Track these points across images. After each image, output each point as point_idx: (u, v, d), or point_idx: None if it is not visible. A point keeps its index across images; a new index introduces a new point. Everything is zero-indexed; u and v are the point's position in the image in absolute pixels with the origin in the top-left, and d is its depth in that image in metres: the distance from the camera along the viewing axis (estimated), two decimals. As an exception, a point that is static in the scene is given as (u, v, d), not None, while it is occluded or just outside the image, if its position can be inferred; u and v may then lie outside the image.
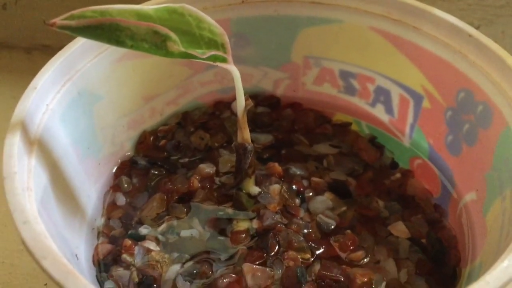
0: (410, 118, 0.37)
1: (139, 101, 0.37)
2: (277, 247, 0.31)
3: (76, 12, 0.24)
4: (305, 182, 0.35)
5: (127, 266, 0.31)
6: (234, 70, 0.30)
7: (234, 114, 0.40)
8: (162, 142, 0.38)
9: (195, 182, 0.34)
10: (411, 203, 0.35)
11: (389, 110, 0.38)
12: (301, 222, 0.32)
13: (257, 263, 0.30)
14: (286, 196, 0.33)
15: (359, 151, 0.38)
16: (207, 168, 0.35)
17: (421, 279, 0.30)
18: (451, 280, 0.31)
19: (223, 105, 0.40)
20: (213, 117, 0.40)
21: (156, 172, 0.36)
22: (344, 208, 0.34)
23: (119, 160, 0.37)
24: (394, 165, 0.38)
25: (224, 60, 0.29)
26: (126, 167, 0.36)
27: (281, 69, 0.40)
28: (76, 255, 0.29)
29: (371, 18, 0.35)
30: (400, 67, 0.36)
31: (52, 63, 0.30)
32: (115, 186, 0.35)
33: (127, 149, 0.37)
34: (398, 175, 0.37)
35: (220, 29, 0.28)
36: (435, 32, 0.33)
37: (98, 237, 0.33)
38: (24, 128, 0.27)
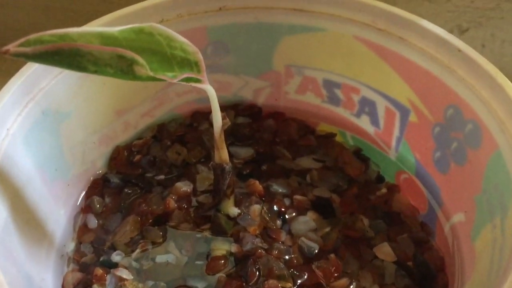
0: (396, 131, 0.35)
1: (111, 116, 0.35)
2: (257, 275, 0.29)
3: (32, 37, 0.22)
4: (287, 201, 0.34)
5: (98, 298, 0.29)
6: (209, 89, 0.28)
7: (212, 126, 0.38)
8: (137, 157, 0.36)
9: (171, 203, 0.33)
10: (397, 220, 0.34)
11: (374, 121, 0.36)
12: (282, 247, 0.31)
13: (236, 295, 0.29)
14: (267, 218, 0.32)
15: (344, 165, 0.36)
16: (184, 187, 0.34)
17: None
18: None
19: (201, 116, 0.38)
20: (190, 129, 0.38)
21: (130, 191, 0.34)
22: (327, 229, 0.33)
23: (91, 178, 0.35)
24: (380, 179, 0.37)
25: (197, 81, 0.27)
26: (98, 186, 0.34)
27: (262, 78, 0.38)
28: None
29: (355, 27, 0.33)
30: (386, 78, 0.34)
31: (13, 83, 0.28)
32: (86, 207, 0.34)
33: (99, 167, 0.35)
34: (384, 190, 0.36)
35: (192, 47, 0.26)
36: (422, 44, 0.31)
37: (68, 264, 0.31)
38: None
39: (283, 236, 0.31)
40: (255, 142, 0.37)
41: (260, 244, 0.31)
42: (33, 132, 0.29)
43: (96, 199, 0.34)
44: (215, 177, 0.31)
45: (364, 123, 0.37)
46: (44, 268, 0.29)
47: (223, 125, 0.30)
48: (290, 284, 0.29)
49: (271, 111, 0.39)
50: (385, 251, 0.31)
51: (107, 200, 0.34)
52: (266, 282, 0.29)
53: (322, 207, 0.34)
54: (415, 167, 0.35)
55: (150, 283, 0.30)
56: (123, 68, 0.24)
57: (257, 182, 0.34)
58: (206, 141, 0.36)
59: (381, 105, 0.35)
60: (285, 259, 0.30)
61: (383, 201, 0.35)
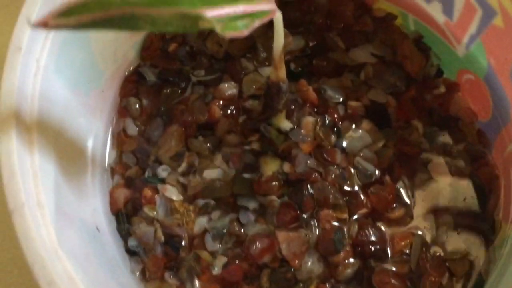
0: (472, 28, 0.31)
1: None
2: (312, 204, 0.28)
3: (73, 4, 0.17)
4: (341, 109, 0.31)
5: (150, 221, 0.28)
6: (277, 14, 0.23)
7: None
8: (172, 46, 0.32)
9: (217, 111, 0.30)
10: (454, 127, 0.32)
11: (447, 11, 0.31)
12: (337, 170, 0.29)
13: (291, 226, 0.28)
14: (321, 134, 0.29)
15: (403, 59, 0.32)
16: (228, 89, 0.30)
17: (459, 239, 0.29)
18: (488, 235, 0.29)
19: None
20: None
21: (168, 92, 0.31)
22: (382, 143, 0.31)
23: (125, 74, 0.31)
24: (438, 73, 0.33)
25: (267, 13, 0.22)
26: (132, 84, 0.31)
27: None
28: (97, 228, 0.26)
29: None
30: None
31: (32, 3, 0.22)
32: (122, 110, 0.31)
33: (131, 60, 0.31)
34: (442, 89, 0.33)
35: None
36: None
37: (112, 176, 0.30)
38: (17, 118, 0.21)
39: (338, 157, 0.29)
40: (306, 29, 0.32)
41: (315, 167, 0.29)
42: (63, 53, 0.24)
43: (132, 100, 0.30)
44: (269, 95, 0.28)
45: (434, 9, 0.32)
46: (92, 197, 0.27)
47: (285, 46, 0.25)
48: (345, 215, 0.28)
49: (324, -15, 0.33)
50: (440, 171, 0.30)
51: (145, 102, 0.31)
52: (321, 212, 0.28)
53: (377, 114, 0.31)
54: (485, 72, 0.31)
55: (200, 202, 0.29)
56: (186, 26, 0.19)
57: (310, 89, 0.30)
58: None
59: (461, -3, 0.30)
60: (340, 184, 0.29)
61: (440, 102, 0.32)
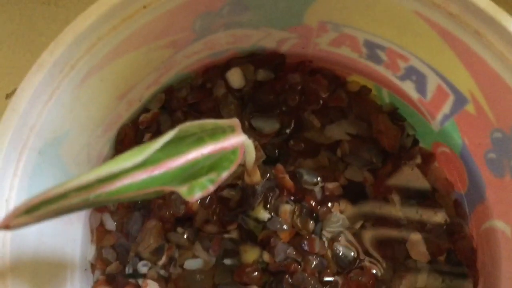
0: (445, 109, 0.31)
1: (113, 103, 0.29)
2: (292, 296, 0.29)
3: (32, 203, 0.17)
4: (318, 192, 0.31)
5: (133, 320, 0.29)
6: (247, 143, 0.23)
7: (229, 87, 0.32)
8: (147, 136, 0.31)
9: (194, 204, 0.30)
10: (430, 200, 0.32)
11: (420, 90, 0.31)
12: (316, 260, 0.29)
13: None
14: (299, 224, 0.30)
15: (378, 135, 0.33)
16: (205, 180, 0.30)
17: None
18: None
19: (215, 74, 0.32)
20: (203, 93, 0.32)
21: (145, 184, 0.31)
22: (360, 224, 0.31)
23: (99, 169, 0.31)
24: (414, 143, 0.33)
25: (234, 158, 0.22)
26: (109, 179, 0.31)
27: (288, 30, 0.31)
28: None
29: (418, 3, 0.26)
30: (446, 62, 0.28)
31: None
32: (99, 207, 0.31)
33: (105, 155, 0.31)
34: (418, 159, 0.33)
35: (228, 121, 0.21)
36: (503, 48, 0.25)
37: (93, 272, 0.30)
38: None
39: (317, 245, 0.30)
40: (280, 111, 0.32)
41: (294, 256, 0.29)
42: (34, 184, 0.24)
43: (109, 195, 0.30)
44: (245, 195, 0.28)
45: (407, 87, 0.32)
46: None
47: (256, 160, 0.25)
48: (325, 304, 0.29)
49: (296, 61, 0.33)
50: (419, 251, 0.31)
51: (122, 196, 0.31)
52: (301, 302, 0.29)
53: (354, 193, 0.32)
54: (460, 148, 0.31)
55: (182, 295, 0.30)
56: (152, 196, 0.19)
57: (286, 176, 0.30)
58: (224, 114, 0.31)
59: (433, 81, 0.30)
60: (320, 272, 0.29)
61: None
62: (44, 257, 0.25)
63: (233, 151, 0.21)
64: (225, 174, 0.20)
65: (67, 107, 0.25)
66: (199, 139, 0.20)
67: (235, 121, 0.21)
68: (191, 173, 0.20)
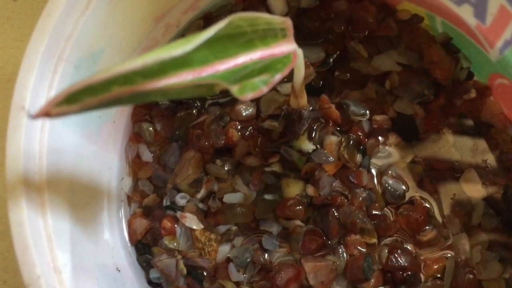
0: (507, 34, 0.28)
1: (149, 25, 0.27)
2: (339, 230, 0.27)
3: (75, 89, 0.15)
4: (365, 125, 0.29)
5: (171, 252, 0.28)
6: (298, 52, 0.21)
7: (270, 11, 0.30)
8: (183, 64, 0.30)
9: (234, 134, 0.28)
10: (486, 135, 0.30)
11: (479, 14, 0.29)
12: (364, 193, 0.28)
13: (317, 254, 0.27)
14: (346, 155, 0.28)
15: (430, 65, 0.30)
16: (245, 110, 0.29)
17: (495, 258, 0.28)
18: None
19: (256, -1, 0.30)
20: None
21: (182, 115, 0.29)
22: (410, 158, 0.29)
23: (135, 99, 0.29)
24: (469, 76, 0.31)
25: (288, 61, 0.20)
26: (145, 109, 0.29)
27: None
28: (117, 269, 0.26)
29: None
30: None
31: (34, 52, 0.21)
32: (135, 136, 0.29)
33: (142, 83, 0.29)
34: (472, 94, 0.31)
35: (280, 18, 0.19)
36: None
37: (129, 205, 0.29)
38: (26, 182, 0.20)
39: (365, 178, 0.28)
40: (325, 39, 0.30)
41: (340, 190, 0.28)
42: (69, 99, 0.23)
43: (145, 125, 0.29)
44: (290, 121, 0.26)
45: (464, 12, 0.29)
46: (109, 229, 0.26)
47: (306, 77, 0.23)
48: (374, 240, 0.27)
49: (343, -13, 0.31)
50: (473, 188, 0.29)
51: (158, 126, 0.29)
52: (348, 237, 0.27)
53: (404, 127, 0.30)
54: (521, 78, 0.29)
55: (222, 228, 0.28)
56: (201, 92, 0.17)
57: (333, 106, 0.28)
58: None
59: (495, 2, 0.27)
60: (367, 206, 0.28)
61: (471, 108, 0.30)
62: (81, 179, 0.24)
63: (287, 55, 0.19)
64: (278, 76, 0.19)
65: (102, 21, 0.24)
66: (249, 41, 0.19)
67: (287, 22, 0.19)
68: (241, 75, 0.18)
